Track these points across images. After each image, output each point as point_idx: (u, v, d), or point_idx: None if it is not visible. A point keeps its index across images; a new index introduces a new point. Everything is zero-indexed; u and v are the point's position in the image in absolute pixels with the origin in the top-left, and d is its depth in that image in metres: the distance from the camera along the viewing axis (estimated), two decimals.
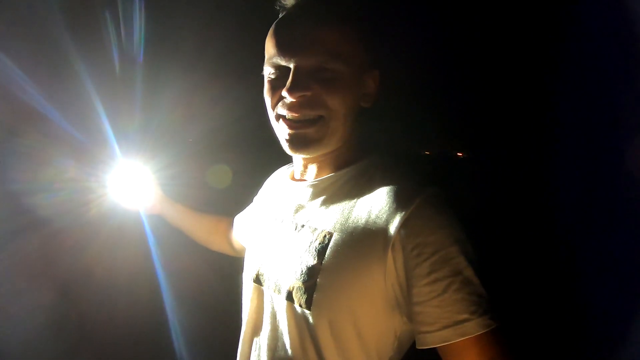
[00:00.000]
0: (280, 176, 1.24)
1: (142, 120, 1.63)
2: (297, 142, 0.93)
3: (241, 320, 1.11)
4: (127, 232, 1.62)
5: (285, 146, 0.96)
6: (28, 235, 1.49)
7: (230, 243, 1.52)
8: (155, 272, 1.76)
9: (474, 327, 0.77)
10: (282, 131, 0.95)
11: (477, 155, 1.16)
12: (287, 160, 1.17)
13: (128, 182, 1.51)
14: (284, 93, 0.90)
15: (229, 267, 1.62)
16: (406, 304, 0.85)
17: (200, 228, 1.57)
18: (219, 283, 1.73)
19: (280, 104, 0.94)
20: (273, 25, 0.96)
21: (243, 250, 1.45)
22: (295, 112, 0.91)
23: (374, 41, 0.98)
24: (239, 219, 1.45)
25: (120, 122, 1.56)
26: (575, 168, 1.17)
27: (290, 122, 0.93)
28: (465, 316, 0.78)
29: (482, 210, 1.16)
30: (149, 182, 1.52)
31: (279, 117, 0.95)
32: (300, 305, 0.89)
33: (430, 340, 0.80)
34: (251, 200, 1.38)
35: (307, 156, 1.00)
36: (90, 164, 1.53)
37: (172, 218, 1.57)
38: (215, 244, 1.58)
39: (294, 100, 0.90)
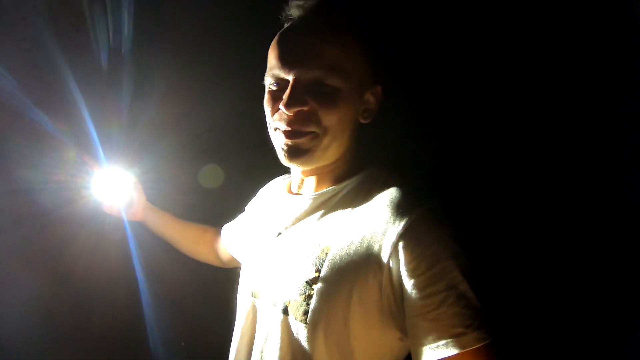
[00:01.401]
0: (276, 188, 1.24)
1: (127, 122, 1.59)
2: (291, 152, 0.94)
3: (228, 333, 1.10)
4: (109, 238, 1.57)
5: (281, 156, 0.96)
6: (7, 237, 1.44)
7: (216, 254, 1.49)
8: (136, 280, 1.72)
9: (469, 341, 0.77)
10: (278, 141, 0.96)
11: (478, 167, 1.17)
12: (279, 167, 1.15)
13: (111, 187, 1.47)
14: (281, 107, 0.91)
15: (213, 278, 1.60)
16: (401, 318, 0.85)
17: (185, 237, 1.54)
18: (203, 294, 1.69)
19: (276, 116, 0.94)
20: (277, 36, 0.96)
21: (230, 262, 1.43)
22: (290, 126, 0.92)
23: (378, 56, 0.97)
24: (229, 229, 1.42)
25: (104, 124, 1.52)
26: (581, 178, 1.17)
27: (285, 133, 0.93)
28: (460, 330, 0.78)
29: (481, 221, 1.16)
30: (132, 187, 1.48)
31: (275, 128, 0.96)
32: (296, 318, 0.89)
33: (425, 353, 0.80)
34: (242, 209, 1.36)
35: (302, 167, 1.00)
36: (73, 167, 1.48)
37: (155, 226, 1.53)
38: (201, 254, 1.55)
39: (290, 114, 0.90)
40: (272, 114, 0.96)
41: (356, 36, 0.92)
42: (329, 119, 0.91)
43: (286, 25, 0.96)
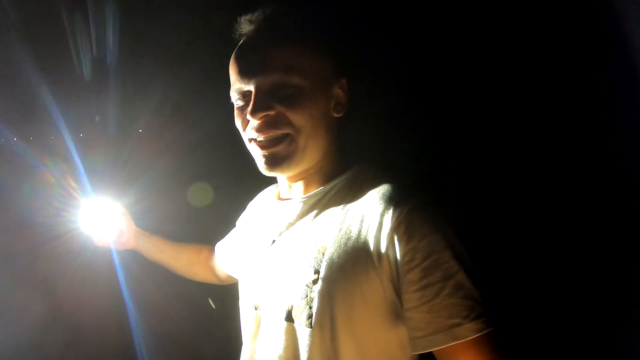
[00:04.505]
0: (265, 197, 1.23)
1: (112, 154, 1.60)
2: (270, 161, 0.94)
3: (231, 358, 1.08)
4: (98, 270, 1.56)
5: (261, 167, 0.97)
6: None
7: (213, 272, 1.48)
8: (126, 311, 1.69)
9: (466, 332, 0.77)
10: (255, 153, 0.97)
11: (466, 156, 1.19)
12: (266, 182, 1.17)
13: (98, 219, 1.47)
14: (248, 116, 0.92)
15: (205, 304, 1.58)
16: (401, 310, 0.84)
17: (179, 260, 1.52)
18: (196, 321, 1.67)
19: (248, 127, 0.95)
20: (233, 53, 0.98)
21: (228, 279, 1.41)
22: (262, 133, 0.93)
23: (338, 51, 0.99)
24: (222, 246, 1.41)
25: (90, 156, 1.53)
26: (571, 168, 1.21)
27: (260, 143, 0.95)
28: (457, 320, 0.77)
29: (474, 210, 1.18)
30: (121, 217, 1.48)
31: (250, 140, 0.97)
32: (301, 324, 0.88)
33: (422, 344, 0.80)
34: (232, 225, 1.37)
35: (285, 174, 1.00)
36: (60, 200, 1.48)
37: (148, 252, 1.51)
38: (198, 274, 1.53)
39: (259, 121, 0.92)
40: (244, 127, 0.97)
41: (311, 36, 0.95)
42: (298, 118, 0.91)
43: (240, 42, 0.99)
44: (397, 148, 1.24)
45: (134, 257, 1.55)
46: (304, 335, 0.88)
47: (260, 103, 0.90)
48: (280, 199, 1.11)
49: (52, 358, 1.63)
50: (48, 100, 1.46)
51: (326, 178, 1.01)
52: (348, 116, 1.01)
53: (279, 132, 0.92)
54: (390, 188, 0.91)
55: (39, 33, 1.48)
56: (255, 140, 0.95)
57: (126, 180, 1.60)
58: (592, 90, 1.17)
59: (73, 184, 1.46)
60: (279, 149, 0.93)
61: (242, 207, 1.33)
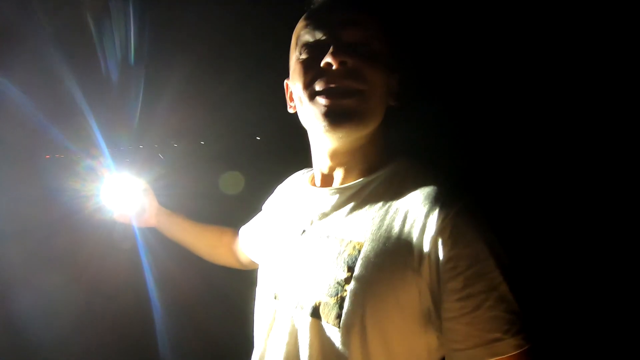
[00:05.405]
0: (296, 182, 1.16)
1: (135, 128, 1.57)
2: (336, 114, 0.85)
3: (246, 340, 1.04)
4: (119, 247, 1.54)
5: (322, 123, 0.87)
6: (18, 244, 1.41)
7: (236, 256, 1.43)
8: (147, 289, 1.68)
9: (506, 348, 0.73)
10: (317, 107, 0.87)
11: (509, 159, 1.13)
12: (295, 165, 1.12)
13: (121, 194, 1.44)
14: (327, 59, 0.84)
15: (229, 286, 1.56)
16: (439, 320, 0.80)
17: (202, 241, 1.47)
18: (218, 303, 1.66)
19: (317, 81, 0.87)
20: (305, 15, 0.93)
21: (251, 264, 1.37)
22: (337, 82, 0.85)
23: (399, 44, 0.96)
24: (246, 230, 1.36)
25: (112, 131, 1.50)
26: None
27: (329, 93, 0.86)
28: (497, 335, 0.74)
29: (520, 217, 1.13)
30: (143, 193, 1.45)
31: (314, 95, 0.88)
32: (328, 322, 0.83)
33: (460, 358, 0.77)
34: (258, 209, 1.32)
35: (343, 137, 0.90)
36: (82, 174, 1.45)
37: (169, 231, 1.47)
38: (221, 257, 1.48)
39: (337, 67, 0.84)
40: (308, 81, 0.88)
41: (384, 19, 0.92)
42: (375, 77, 0.87)
43: (315, 5, 0.94)
44: (438, 147, 1.18)
45: (155, 236, 1.53)
46: (330, 334, 0.83)
47: (342, 49, 0.85)
48: (314, 185, 1.04)
49: (69, 330, 1.64)
50: (71, 78, 1.43)
51: (368, 169, 0.94)
52: (396, 109, 0.96)
53: (354, 85, 0.85)
54: (435, 188, 0.85)
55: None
56: (323, 93, 0.86)
57: (150, 155, 1.56)
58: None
59: (96, 158, 1.44)
60: (351, 102, 0.85)
61: (268, 190, 1.27)
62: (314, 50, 0.89)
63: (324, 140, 0.94)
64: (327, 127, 0.87)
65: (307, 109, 0.90)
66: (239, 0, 1.54)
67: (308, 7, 0.95)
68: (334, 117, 0.85)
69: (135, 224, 1.47)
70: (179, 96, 1.49)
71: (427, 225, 0.80)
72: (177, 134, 1.53)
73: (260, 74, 1.00)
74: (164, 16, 1.55)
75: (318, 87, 0.87)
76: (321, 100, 0.87)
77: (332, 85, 0.85)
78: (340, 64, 0.84)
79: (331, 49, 0.84)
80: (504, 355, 0.73)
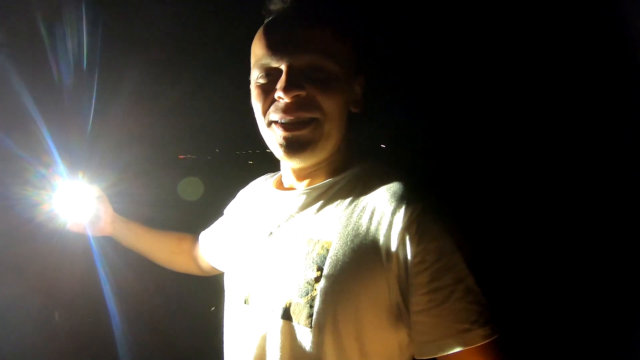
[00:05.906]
0: (260, 186, 1.17)
1: (88, 134, 1.52)
2: (291, 146, 0.88)
3: (213, 350, 1.02)
4: (74, 256, 1.49)
5: (279, 152, 0.91)
6: None
7: (197, 262, 1.41)
8: (104, 300, 1.63)
9: (475, 338, 0.75)
10: (274, 136, 0.90)
11: (473, 157, 1.17)
12: (256, 171, 1.12)
13: (74, 203, 1.39)
14: (279, 93, 0.86)
15: (192, 292, 1.53)
16: (408, 314, 0.82)
17: (160, 248, 1.44)
18: (183, 311, 1.62)
19: (272, 109, 0.89)
20: (261, 28, 0.93)
21: (212, 270, 1.35)
22: (290, 115, 0.87)
23: (361, 46, 0.96)
24: (207, 235, 1.35)
25: (64, 137, 1.45)
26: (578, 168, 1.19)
27: (284, 126, 0.88)
28: (466, 326, 0.76)
29: (482, 212, 1.15)
30: (97, 201, 1.40)
31: (270, 123, 0.90)
32: (299, 323, 0.83)
33: (429, 349, 0.78)
34: (218, 215, 1.30)
35: (303, 163, 0.93)
36: (33, 183, 1.40)
37: (126, 239, 1.43)
38: (181, 264, 1.46)
39: (289, 101, 0.85)
40: (265, 109, 0.90)
41: (341, 25, 0.91)
42: (329, 104, 0.87)
43: (268, 19, 0.94)
44: (402, 149, 1.20)
45: (111, 245, 1.48)
46: (302, 335, 0.84)
47: (293, 82, 0.85)
48: (281, 188, 1.06)
49: (25, 344, 1.57)
50: (18, 78, 1.38)
51: (334, 171, 0.97)
52: (360, 114, 0.98)
53: (307, 115, 0.87)
54: (401, 186, 0.87)
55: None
56: (277, 122, 0.89)
57: (103, 162, 1.52)
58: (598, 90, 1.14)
59: (47, 165, 1.39)
60: (304, 132, 0.88)
61: (229, 195, 1.27)
62: (270, 75, 0.90)
63: (285, 162, 0.96)
64: (283, 156, 0.91)
65: (265, 134, 0.93)
66: (196, 5, 1.52)
67: (266, 12, 0.94)
68: (289, 147, 0.89)
69: (90, 232, 1.42)
70: (134, 101, 1.47)
71: (394, 222, 0.82)
72: (131, 139, 1.50)
73: (216, 79, 0.98)
74: (118, 20, 1.52)
75: (273, 116, 0.89)
76: (277, 130, 0.89)
77: (286, 118, 0.87)
78: (293, 97, 0.86)
79: (282, 82, 0.85)
80: (473, 344, 0.75)
